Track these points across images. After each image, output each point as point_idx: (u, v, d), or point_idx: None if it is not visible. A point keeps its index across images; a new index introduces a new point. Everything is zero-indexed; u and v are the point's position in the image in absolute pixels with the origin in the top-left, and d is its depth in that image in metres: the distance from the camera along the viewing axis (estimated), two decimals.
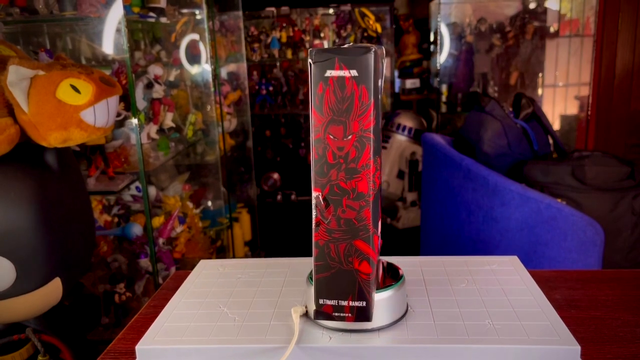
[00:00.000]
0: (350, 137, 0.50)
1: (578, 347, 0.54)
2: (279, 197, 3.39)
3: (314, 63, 0.48)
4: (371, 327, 0.58)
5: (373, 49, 0.48)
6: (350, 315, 0.55)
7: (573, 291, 0.74)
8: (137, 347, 0.58)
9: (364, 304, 0.54)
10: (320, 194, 0.51)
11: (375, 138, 0.50)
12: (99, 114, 0.97)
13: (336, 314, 0.55)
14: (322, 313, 0.55)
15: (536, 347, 0.55)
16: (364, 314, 0.55)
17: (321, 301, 0.55)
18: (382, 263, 0.64)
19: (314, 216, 0.52)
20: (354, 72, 0.48)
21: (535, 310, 0.61)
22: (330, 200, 0.51)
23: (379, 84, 0.51)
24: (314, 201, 0.52)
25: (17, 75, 0.92)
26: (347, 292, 0.54)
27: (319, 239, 0.53)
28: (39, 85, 0.93)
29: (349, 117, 0.49)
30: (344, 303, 0.54)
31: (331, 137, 0.50)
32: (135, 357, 0.59)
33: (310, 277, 0.62)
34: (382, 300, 0.57)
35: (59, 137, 0.95)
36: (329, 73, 0.48)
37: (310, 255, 0.77)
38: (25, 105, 0.93)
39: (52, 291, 1.01)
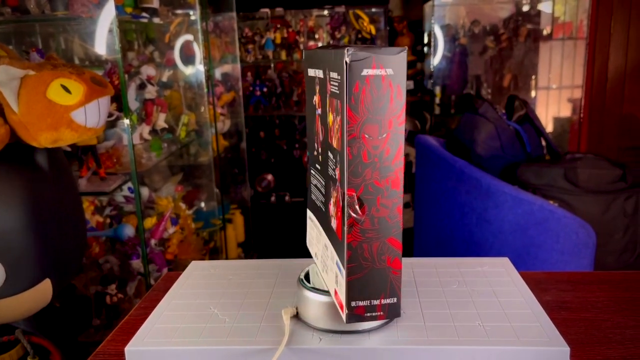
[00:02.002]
0: (385, 135, 0.50)
1: (567, 349, 0.55)
2: (272, 198, 3.39)
3: (350, 62, 0.48)
4: (361, 329, 0.58)
5: (405, 49, 0.49)
6: (382, 313, 0.55)
7: (564, 293, 0.74)
8: (127, 349, 0.58)
9: (395, 300, 0.54)
10: (355, 194, 0.51)
11: (405, 136, 0.51)
12: (89, 114, 0.97)
13: (368, 314, 0.54)
14: (355, 315, 0.54)
15: (526, 348, 0.55)
16: (394, 310, 0.55)
17: (353, 304, 0.54)
18: None
19: (346, 218, 0.51)
20: (389, 71, 0.49)
21: (525, 311, 0.62)
22: (364, 200, 0.51)
23: None
24: (346, 202, 0.51)
25: (7, 75, 0.91)
26: (379, 290, 0.54)
27: (351, 241, 0.52)
28: (29, 85, 0.92)
29: (384, 116, 0.49)
30: (376, 302, 0.54)
31: (366, 136, 0.50)
32: (124, 359, 0.58)
33: (301, 280, 0.62)
34: None
35: (49, 138, 0.94)
36: (366, 72, 0.48)
37: (303, 257, 0.77)
38: (15, 106, 0.92)
39: (42, 293, 1.00)
